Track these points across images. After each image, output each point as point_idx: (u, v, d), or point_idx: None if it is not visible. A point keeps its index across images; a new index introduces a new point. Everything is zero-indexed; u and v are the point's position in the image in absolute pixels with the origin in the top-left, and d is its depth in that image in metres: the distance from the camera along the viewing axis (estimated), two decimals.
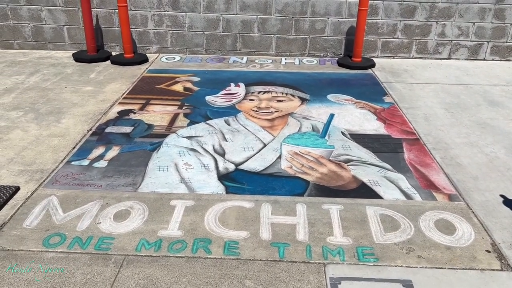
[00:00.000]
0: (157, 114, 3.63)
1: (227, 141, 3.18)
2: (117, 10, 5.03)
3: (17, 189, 2.50)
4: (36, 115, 3.53)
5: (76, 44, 5.27)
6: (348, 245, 2.12)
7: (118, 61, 4.92)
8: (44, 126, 3.34)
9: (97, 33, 5.16)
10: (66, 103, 3.79)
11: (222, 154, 2.99)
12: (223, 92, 4.18)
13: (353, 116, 3.65)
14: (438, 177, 2.73)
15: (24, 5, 5.05)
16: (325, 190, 2.58)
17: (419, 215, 2.36)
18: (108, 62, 4.96)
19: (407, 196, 2.54)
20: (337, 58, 5.24)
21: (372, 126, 3.47)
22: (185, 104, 3.87)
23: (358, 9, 4.78)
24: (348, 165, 2.85)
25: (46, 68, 4.68)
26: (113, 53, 5.19)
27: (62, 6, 5.08)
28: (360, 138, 3.25)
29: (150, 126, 3.41)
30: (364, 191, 2.57)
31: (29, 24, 5.15)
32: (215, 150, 3.04)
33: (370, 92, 4.23)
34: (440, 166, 2.86)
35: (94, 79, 4.42)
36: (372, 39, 5.23)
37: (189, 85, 4.35)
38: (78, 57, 4.97)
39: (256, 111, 3.73)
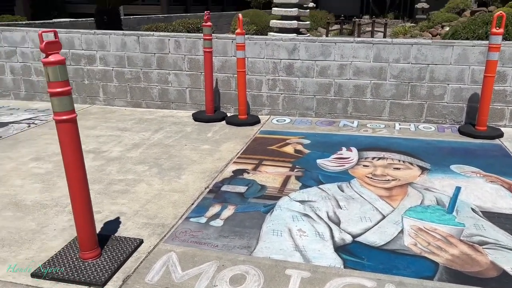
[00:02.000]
0: (269, 175, 3.65)
1: (341, 208, 3.05)
2: (235, 75, 5.36)
3: (141, 242, 2.62)
4: (159, 170, 3.77)
5: (196, 104, 5.67)
6: None
7: (233, 121, 5.16)
8: (166, 181, 3.54)
9: (215, 95, 5.51)
10: (186, 160, 4.01)
11: (337, 223, 2.85)
12: (335, 156, 4.10)
13: (483, 191, 3.29)
14: None
15: (155, 69, 5.64)
16: (459, 276, 2.28)
17: None
18: (224, 122, 5.23)
19: None
20: (457, 126, 4.90)
21: (508, 204, 3.08)
22: (297, 166, 3.86)
23: (483, 75, 4.48)
24: (483, 248, 2.52)
25: (169, 126, 5.08)
26: (228, 114, 5.47)
27: (187, 71, 5.56)
28: (494, 217, 2.89)
29: (263, 187, 3.42)
30: (507, 282, 2.22)
31: (157, 86, 5.71)
32: (329, 218, 2.92)
33: (500, 164, 3.82)
34: None
35: (211, 138, 4.66)
36: (499, 107, 4.82)
37: (299, 147, 4.36)
38: (197, 117, 5.32)
39: (371, 178, 3.57)
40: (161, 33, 5.51)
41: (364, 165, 3.85)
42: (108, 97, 5.92)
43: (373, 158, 4.02)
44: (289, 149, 4.30)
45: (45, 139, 4.52)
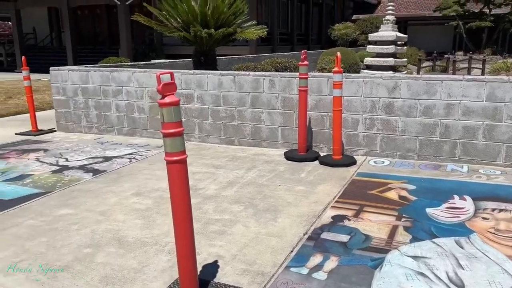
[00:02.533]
0: (373, 224, 3.35)
1: (463, 269, 2.66)
2: (329, 113, 5.20)
3: None
4: (255, 211, 3.66)
5: (287, 143, 5.57)
6: None
7: (327, 162, 4.95)
8: (262, 224, 3.40)
9: (308, 134, 5.36)
10: (281, 201, 3.86)
11: (461, 286, 2.47)
12: (446, 205, 3.68)
13: None
14: None
15: (249, 108, 5.67)
16: None
17: None
18: (317, 162, 5.04)
19: None
20: None
21: None
22: (403, 215, 3.51)
23: None
24: None
25: (261, 164, 5.00)
26: (321, 154, 5.27)
27: (280, 109, 5.52)
28: None
29: (367, 237, 3.13)
30: None
31: (250, 124, 5.73)
32: (450, 279, 2.54)
33: None
34: None
35: (305, 178, 4.48)
36: None
37: (404, 193, 4.00)
38: (289, 156, 5.20)
39: (494, 234, 3.11)
40: (257, 73, 5.57)
41: (483, 218, 3.39)
42: (203, 134, 6.06)
43: (493, 209, 3.54)
44: (392, 195, 3.96)
45: (145, 174, 4.68)
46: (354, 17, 29.73)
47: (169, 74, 2.21)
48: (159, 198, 3.97)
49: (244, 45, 20.25)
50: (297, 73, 5.14)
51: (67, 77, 6.85)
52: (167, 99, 2.08)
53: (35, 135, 6.84)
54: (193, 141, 6.14)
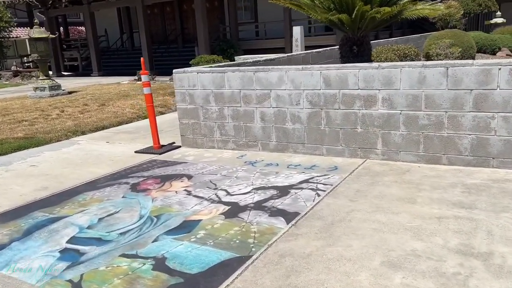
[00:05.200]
0: None
1: None
2: None
3: None
4: None
5: None
6: None
7: None
8: None
9: None
10: None
11: None
12: None
13: None
14: None
15: (469, 111, 4.03)
16: None
17: None
18: None
19: None
20: None
21: None
22: None
23: None
24: None
25: None
26: None
27: None
28: None
29: None
30: None
31: (469, 134, 4.08)
32: None
33: None
34: None
35: None
36: None
37: None
38: None
39: None
40: (486, 61, 3.90)
41: None
42: (389, 149, 4.49)
43: None
44: None
45: (362, 221, 3.17)
46: None
47: None
48: (436, 274, 2.44)
49: (327, 34, 18.43)
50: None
51: (196, 81, 5.54)
52: None
53: (160, 153, 5.62)
54: (373, 158, 4.60)
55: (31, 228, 3.52)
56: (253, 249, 2.89)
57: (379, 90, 4.42)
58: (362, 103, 4.53)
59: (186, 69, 5.69)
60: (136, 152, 5.80)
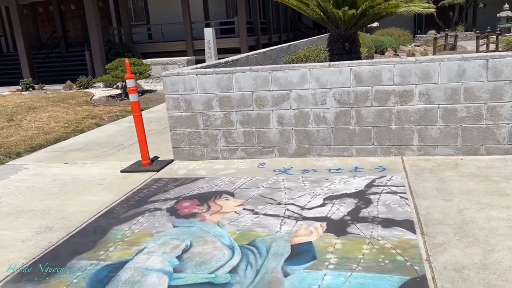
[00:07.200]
0: None
1: None
2: None
3: None
4: None
5: None
6: None
7: None
8: None
9: None
10: None
11: None
12: None
13: None
14: None
15: (508, 101, 4.18)
16: None
17: None
18: None
19: None
20: None
21: None
22: None
23: None
24: None
25: None
26: None
27: None
28: None
29: None
30: None
31: (508, 124, 4.24)
32: None
33: None
34: None
35: None
36: None
37: None
38: None
39: None
40: None
41: None
42: (426, 144, 4.44)
43: None
44: None
45: (487, 220, 2.98)
46: None
47: None
48: None
49: (228, 37, 18.25)
50: None
51: (195, 83, 4.80)
52: None
53: (157, 171, 4.73)
54: (409, 154, 4.50)
55: (92, 284, 2.55)
56: (416, 268, 2.49)
57: (415, 85, 4.34)
58: (397, 99, 4.41)
59: (181, 70, 4.90)
60: (122, 171, 4.79)
